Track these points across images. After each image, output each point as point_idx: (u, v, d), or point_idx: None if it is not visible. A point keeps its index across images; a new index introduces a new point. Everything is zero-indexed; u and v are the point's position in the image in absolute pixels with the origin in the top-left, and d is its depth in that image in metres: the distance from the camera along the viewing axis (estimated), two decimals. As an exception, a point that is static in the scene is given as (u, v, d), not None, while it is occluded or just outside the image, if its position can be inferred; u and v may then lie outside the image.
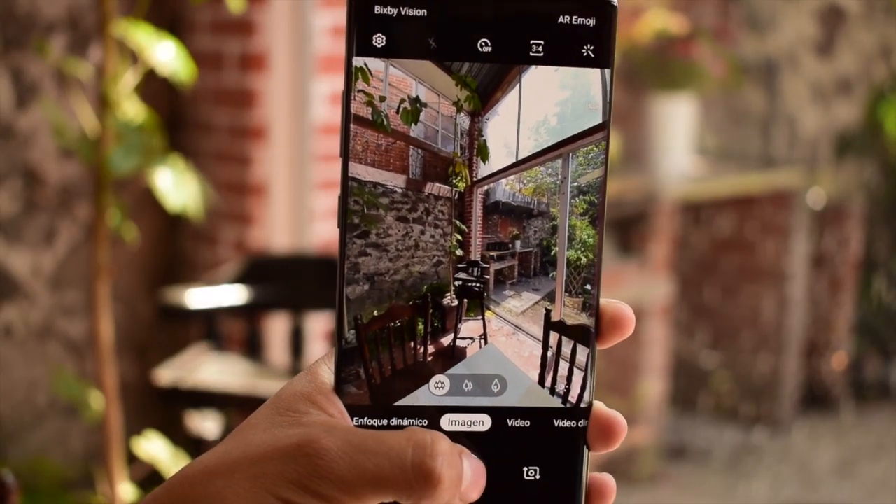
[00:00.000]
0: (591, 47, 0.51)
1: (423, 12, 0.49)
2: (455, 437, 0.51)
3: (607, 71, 0.51)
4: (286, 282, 2.48)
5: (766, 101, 4.37)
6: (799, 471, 3.93)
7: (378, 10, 0.49)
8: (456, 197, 0.51)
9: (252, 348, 2.48)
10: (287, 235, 2.83)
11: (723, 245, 4.37)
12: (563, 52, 0.50)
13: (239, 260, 2.60)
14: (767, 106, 4.36)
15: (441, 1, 0.49)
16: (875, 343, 4.68)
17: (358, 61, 0.49)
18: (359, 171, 0.50)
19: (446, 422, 0.51)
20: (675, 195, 3.80)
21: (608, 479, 0.53)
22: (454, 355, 0.52)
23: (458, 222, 0.52)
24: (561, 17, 0.50)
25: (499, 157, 0.51)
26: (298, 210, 2.81)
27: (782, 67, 4.40)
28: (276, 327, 2.73)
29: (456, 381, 0.52)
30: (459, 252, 0.52)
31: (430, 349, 0.52)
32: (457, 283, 0.52)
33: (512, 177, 0.52)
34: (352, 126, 0.50)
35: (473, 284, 0.52)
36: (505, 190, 0.52)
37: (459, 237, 0.52)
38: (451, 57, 0.50)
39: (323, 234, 2.83)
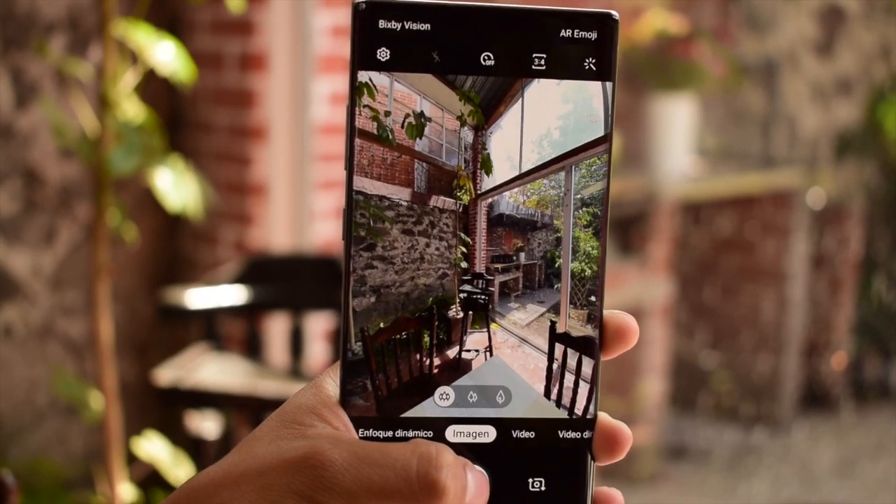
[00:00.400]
0: (593, 61, 0.51)
1: (427, 26, 0.50)
2: (460, 448, 0.51)
3: (609, 84, 0.51)
4: (286, 282, 2.47)
5: (766, 101, 4.37)
6: (799, 471, 3.93)
7: (382, 24, 0.49)
8: (460, 210, 0.52)
9: (252, 348, 2.48)
10: (287, 235, 2.83)
11: (723, 245, 4.37)
12: (565, 66, 0.51)
13: (239, 260, 2.59)
14: (767, 106, 4.36)
15: (445, 15, 0.50)
16: (875, 343, 4.69)
17: (363, 76, 0.49)
18: (364, 184, 0.50)
19: (451, 433, 0.51)
20: (674, 195, 3.80)
21: (615, 493, 0.53)
22: (460, 367, 0.52)
23: (462, 235, 0.52)
24: (563, 30, 0.51)
25: (502, 169, 0.51)
26: (298, 210, 2.81)
27: (782, 67, 4.40)
28: (276, 327, 2.73)
29: (461, 393, 0.52)
30: (464, 264, 0.52)
31: (436, 361, 0.52)
32: (462, 295, 0.52)
33: (515, 189, 0.52)
34: (357, 140, 0.50)
35: (479, 297, 0.52)
36: (509, 202, 0.52)
37: (464, 250, 0.52)
38: (455, 70, 0.50)
39: (323, 234, 2.83)
